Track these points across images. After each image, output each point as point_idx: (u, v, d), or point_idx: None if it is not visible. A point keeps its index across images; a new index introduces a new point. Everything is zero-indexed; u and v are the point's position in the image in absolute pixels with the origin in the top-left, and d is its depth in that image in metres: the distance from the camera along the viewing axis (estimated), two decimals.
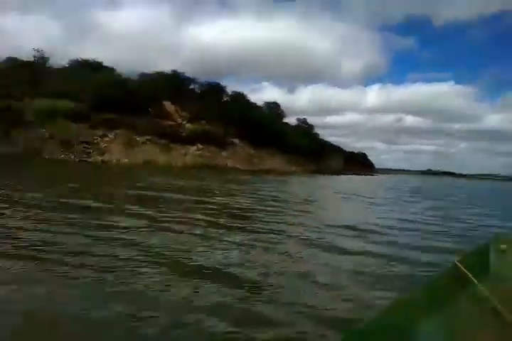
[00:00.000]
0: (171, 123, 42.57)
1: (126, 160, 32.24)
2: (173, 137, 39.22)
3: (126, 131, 35.69)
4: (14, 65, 46.10)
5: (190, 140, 40.49)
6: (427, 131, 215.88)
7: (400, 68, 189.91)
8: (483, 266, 1.97)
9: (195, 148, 39.52)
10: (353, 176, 51.42)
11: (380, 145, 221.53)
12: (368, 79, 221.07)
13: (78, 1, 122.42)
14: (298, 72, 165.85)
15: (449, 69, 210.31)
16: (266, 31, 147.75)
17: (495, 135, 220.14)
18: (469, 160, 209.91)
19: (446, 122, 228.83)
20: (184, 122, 44.01)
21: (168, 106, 44.86)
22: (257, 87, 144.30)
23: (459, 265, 1.93)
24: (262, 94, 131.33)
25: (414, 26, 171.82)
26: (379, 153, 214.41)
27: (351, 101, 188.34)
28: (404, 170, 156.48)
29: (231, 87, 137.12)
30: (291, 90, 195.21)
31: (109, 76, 43.28)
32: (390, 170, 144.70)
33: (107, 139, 33.95)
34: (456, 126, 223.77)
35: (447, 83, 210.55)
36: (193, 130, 41.83)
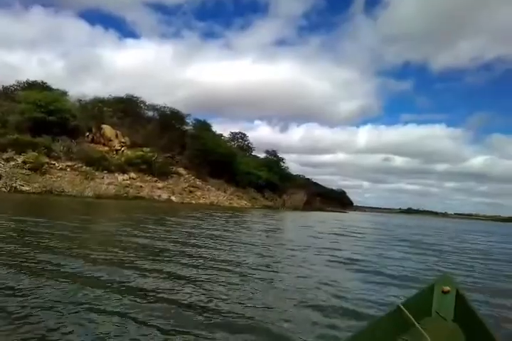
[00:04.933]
0: (105, 149, 38.29)
1: (27, 188, 27.46)
2: (103, 164, 34.71)
3: (41, 155, 31.17)
4: None
5: (123, 168, 36.01)
6: (413, 171, 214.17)
7: (393, 110, 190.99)
8: (426, 307, 2.07)
9: (124, 177, 34.90)
10: (313, 213, 46.73)
11: (365, 184, 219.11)
12: (360, 120, 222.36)
13: (86, 41, 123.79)
14: (291, 112, 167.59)
15: (441, 112, 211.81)
16: (263, 73, 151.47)
17: (478, 176, 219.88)
18: (452, 200, 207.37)
19: (433, 163, 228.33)
20: (122, 149, 39.75)
21: (109, 130, 40.72)
22: (250, 126, 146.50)
23: (402, 307, 2.02)
24: (255, 132, 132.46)
25: (411, 71, 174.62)
26: (364, 192, 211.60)
27: (343, 141, 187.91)
28: (385, 208, 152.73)
29: (224, 124, 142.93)
30: (284, 129, 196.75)
31: (45, 95, 39.22)
32: (372, 208, 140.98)
33: (12, 163, 29.32)
34: (443, 166, 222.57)
35: (439, 125, 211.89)
36: (129, 157, 37.42)
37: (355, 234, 17.34)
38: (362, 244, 13.55)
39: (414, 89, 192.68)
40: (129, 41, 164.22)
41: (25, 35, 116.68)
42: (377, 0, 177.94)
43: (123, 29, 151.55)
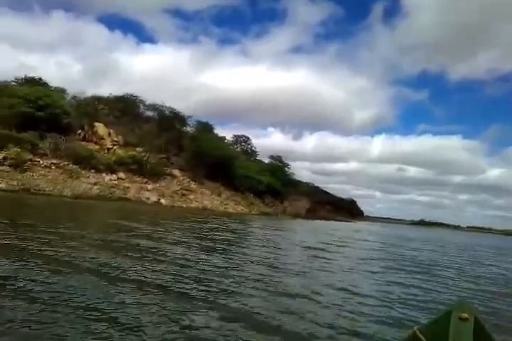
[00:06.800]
0: (96, 147, 36.55)
1: (3, 186, 25.67)
2: (91, 163, 32.88)
3: (24, 151, 29.49)
4: None
5: (112, 168, 34.12)
6: (427, 182, 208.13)
7: (409, 120, 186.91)
8: (442, 335, 1.95)
9: (112, 176, 32.97)
10: (314, 221, 44.15)
11: (378, 194, 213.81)
12: (375, 129, 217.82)
13: (104, 46, 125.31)
14: (305, 120, 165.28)
15: (458, 123, 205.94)
16: (278, 80, 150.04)
17: (493, 189, 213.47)
18: (465, 212, 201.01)
19: (447, 174, 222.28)
20: (114, 147, 37.95)
21: (102, 128, 39.03)
22: (264, 133, 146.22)
23: (418, 333, 2.02)
24: (269, 139, 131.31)
25: (428, 81, 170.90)
26: (376, 202, 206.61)
27: (356, 150, 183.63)
28: (396, 219, 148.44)
29: (238, 130, 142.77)
30: (297, 137, 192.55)
31: (34, 90, 37.67)
32: (383, 218, 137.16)
33: None
34: (458, 178, 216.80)
35: (455, 137, 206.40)
36: (120, 157, 35.55)
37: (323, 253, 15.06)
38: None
39: (431, 99, 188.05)
40: (147, 46, 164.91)
41: (44, 38, 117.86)
42: (396, 10, 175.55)
43: (141, 34, 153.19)
